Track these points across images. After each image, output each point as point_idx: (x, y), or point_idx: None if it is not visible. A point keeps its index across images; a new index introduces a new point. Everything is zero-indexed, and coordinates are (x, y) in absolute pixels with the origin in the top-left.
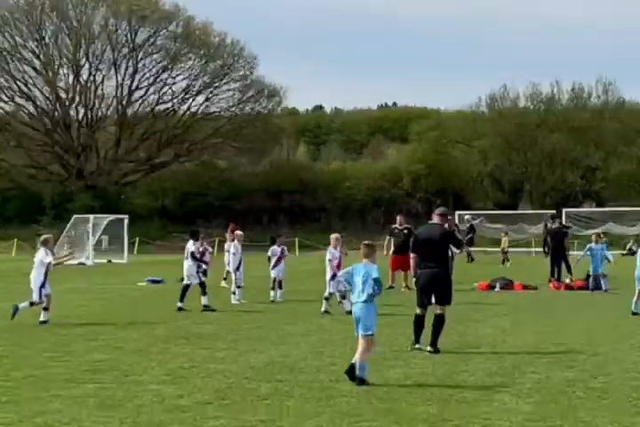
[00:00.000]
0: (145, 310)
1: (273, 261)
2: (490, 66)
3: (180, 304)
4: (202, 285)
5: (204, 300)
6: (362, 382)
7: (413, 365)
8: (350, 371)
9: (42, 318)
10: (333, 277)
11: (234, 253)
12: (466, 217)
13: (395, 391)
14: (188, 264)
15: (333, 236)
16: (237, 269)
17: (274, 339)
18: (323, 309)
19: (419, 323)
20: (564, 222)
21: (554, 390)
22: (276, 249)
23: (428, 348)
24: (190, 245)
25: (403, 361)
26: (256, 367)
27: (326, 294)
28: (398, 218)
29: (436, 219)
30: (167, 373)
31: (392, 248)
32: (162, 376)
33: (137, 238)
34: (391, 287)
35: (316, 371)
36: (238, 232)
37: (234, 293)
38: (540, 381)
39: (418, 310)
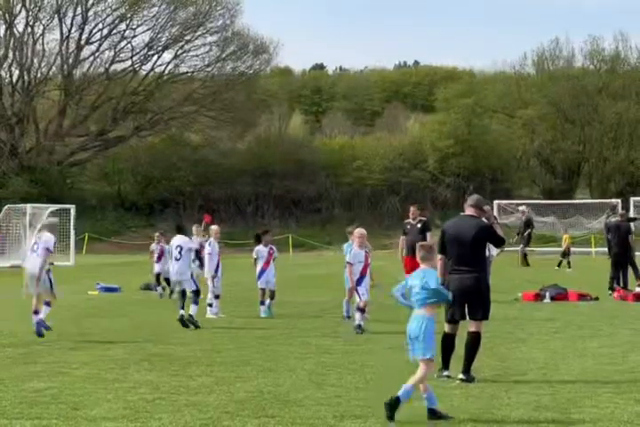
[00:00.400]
0: (97, 326)
1: (259, 265)
2: (538, 15)
3: (188, 312)
4: (197, 293)
5: (193, 309)
6: (434, 413)
7: (441, 397)
8: (392, 406)
9: None
10: (359, 281)
11: (209, 254)
12: (521, 208)
13: None
14: (179, 266)
15: (358, 231)
16: (215, 274)
17: (262, 363)
18: (357, 322)
19: (448, 344)
20: (630, 214)
21: None
22: (262, 250)
23: (460, 375)
24: (186, 243)
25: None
26: (239, 400)
27: (360, 303)
28: (411, 209)
29: (468, 210)
30: (126, 406)
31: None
32: (119, 410)
33: (86, 234)
34: None
35: (317, 404)
36: (214, 227)
37: (210, 304)
38: (602, 417)
39: (446, 328)
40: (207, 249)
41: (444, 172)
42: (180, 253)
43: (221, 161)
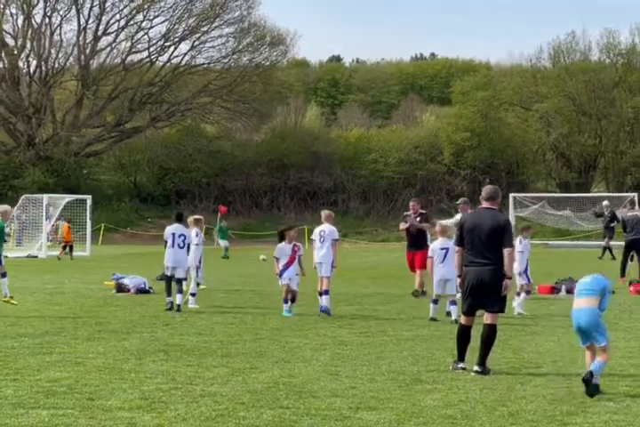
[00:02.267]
0: (113, 317)
1: (281, 263)
2: (554, 8)
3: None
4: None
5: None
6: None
7: (456, 389)
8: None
9: None
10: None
11: (196, 244)
12: (604, 203)
13: (433, 423)
14: (181, 254)
15: (448, 222)
16: (199, 264)
17: (277, 354)
18: (431, 314)
19: (464, 336)
20: None
21: (637, 422)
22: (284, 248)
23: (475, 367)
24: (188, 232)
25: (442, 384)
26: (255, 390)
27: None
28: (411, 203)
29: (485, 203)
30: (142, 396)
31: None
32: (135, 401)
33: (102, 225)
34: (423, 293)
35: (332, 396)
36: (196, 217)
37: (193, 294)
38: (617, 411)
39: (463, 320)
40: (195, 240)
41: (460, 165)
42: (183, 242)
43: (237, 152)
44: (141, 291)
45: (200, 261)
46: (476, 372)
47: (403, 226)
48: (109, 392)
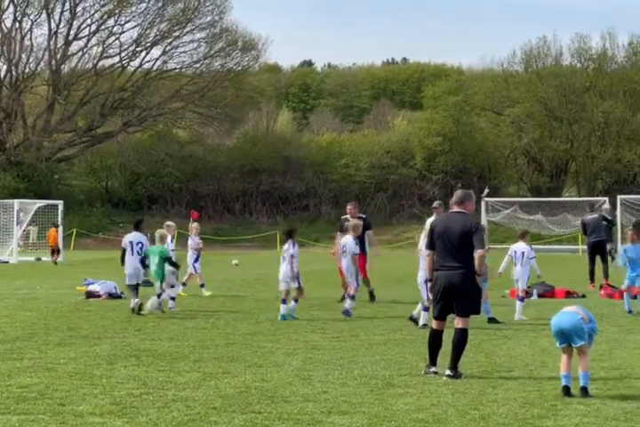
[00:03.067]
0: (85, 322)
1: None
2: (526, 13)
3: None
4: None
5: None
6: (587, 392)
7: (428, 393)
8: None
9: None
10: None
11: (172, 251)
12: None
13: (405, 426)
14: (138, 261)
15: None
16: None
17: (249, 359)
18: (422, 322)
19: (435, 340)
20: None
21: (607, 425)
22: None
23: (447, 371)
24: (145, 240)
25: (414, 388)
26: (227, 395)
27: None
28: (348, 207)
29: (456, 207)
30: (113, 401)
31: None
32: (107, 406)
33: (74, 230)
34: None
35: (304, 400)
36: (167, 223)
37: (172, 298)
38: (588, 413)
39: (434, 324)
40: (171, 246)
41: (432, 169)
42: (141, 249)
43: (209, 157)
44: (113, 296)
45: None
46: (448, 376)
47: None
48: (80, 398)
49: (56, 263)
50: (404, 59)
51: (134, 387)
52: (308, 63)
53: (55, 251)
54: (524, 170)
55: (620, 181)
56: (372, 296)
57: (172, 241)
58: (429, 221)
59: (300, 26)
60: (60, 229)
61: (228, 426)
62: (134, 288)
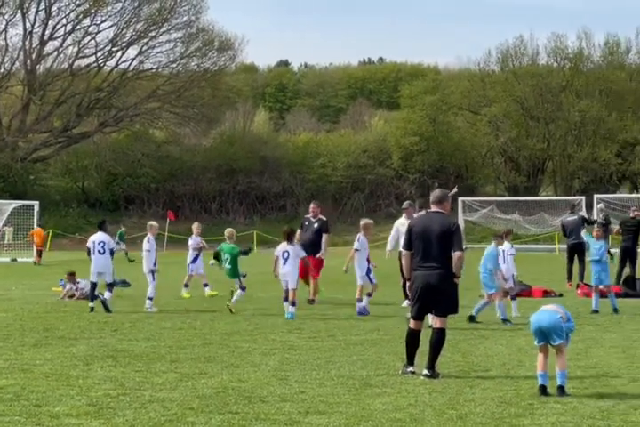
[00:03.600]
0: (61, 323)
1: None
2: (503, 13)
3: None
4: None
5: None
6: (564, 391)
7: (405, 392)
8: (544, 390)
9: None
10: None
11: (147, 251)
12: (599, 205)
13: (382, 426)
14: (103, 260)
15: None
16: (154, 268)
17: (226, 359)
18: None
19: (413, 340)
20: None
21: (583, 424)
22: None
23: (425, 371)
24: (108, 239)
25: (391, 388)
26: (204, 395)
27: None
28: (311, 206)
29: (434, 207)
30: (90, 402)
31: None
32: (83, 407)
33: (50, 231)
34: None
35: (281, 400)
36: (153, 223)
37: (150, 298)
38: (565, 412)
39: (412, 324)
40: (145, 246)
41: (409, 169)
42: (103, 248)
43: (186, 157)
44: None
45: (154, 266)
46: (426, 376)
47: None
48: (57, 399)
49: (37, 264)
50: (381, 58)
51: (111, 388)
52: (285, 63)
53: (40, 251)
54: (501, 169)
55: (596, 180)
56: (311, 301)
57: (148, 241)
58: (399, 221)
59: (276, 26)
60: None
61: (206, 426)
62: (108, 286)
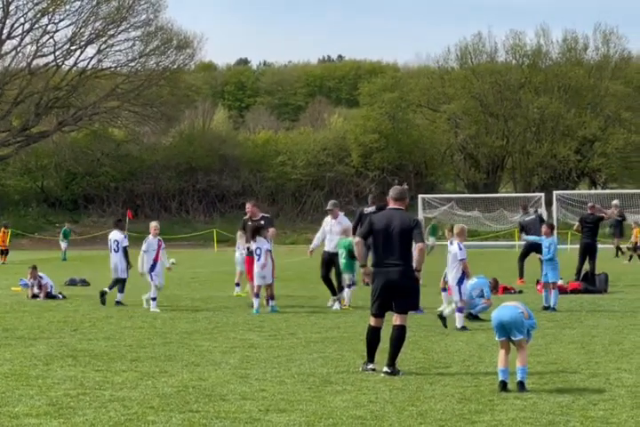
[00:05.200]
0: (21, 323)
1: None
2: (461, 10)
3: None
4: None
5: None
6: (524, 386)
7: (366, 390)
8: (505, 386)
9: None
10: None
11: (145, 251)
12: (614, 202)
13: (343, 424)
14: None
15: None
16: (152, 270)
17: (187, 358)
18: (459, 325)
19: (373, 337)
20: (538, 211)
21: (543, 419)
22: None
23: (385, 368)
24: (122, 238)
25: (352, 385)
26: (164, 394)
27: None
28: (248, 205)
29: (393, 204)
30: (50, 402)
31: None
32: (43, 407)
33: (9, 230)
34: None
35: (242, 398)
36: (153, 223)
37: (154, 298)
38: (525, 408)
39: (372, 321)
40: (143, 246)
41: (368, 166)
42: (117, 246)
43: (145, 156)
44: (50, 296)
45: (153, 267)
46: (386, 373)
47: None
48: (16, 399)
49: (4, 263)
50: (340, 56)
51: (71, 387)
52: (244, 61)
53: (4, 252)
54: (461, 166)
55: (555, 177)
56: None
57: (145, 241)
58: (325, 221)
59: (235, 24)
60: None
61: (166, 425)
62: (116, 282)
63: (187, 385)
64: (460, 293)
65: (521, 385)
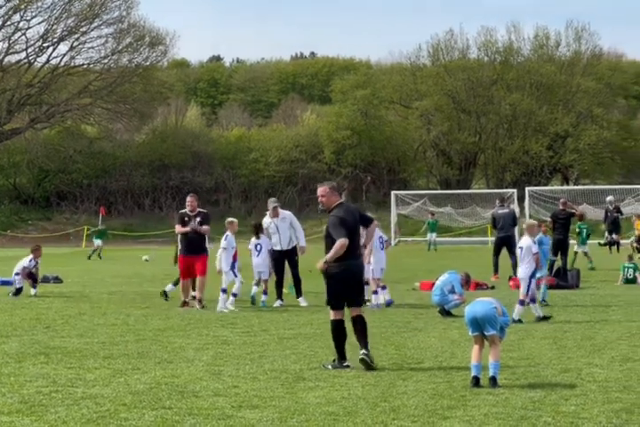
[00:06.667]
0: None
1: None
2: (433, 6)
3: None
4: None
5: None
6: (496, 381)
7: (338, 386)
8: (477, 382)
9: None
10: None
11: (224, 248)
12: (608, 198)
13: (315, 420)
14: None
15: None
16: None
17: (160, 355)
18: (516, 317)
19: (341, 331)
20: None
21: (515, 415)
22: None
23: (363, 351)
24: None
25: (324, 382)
26: (137, 391)
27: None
28: (189, 200)
29: (344, 198)
30: (22, 400)
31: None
32: (15, 404)
33: None
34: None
35: (215, 395)
36: (229, 219)
37: (234, 295)
38: (497, 403)
39: (335, 315)
40: (222, 243)
41: (341, 163)
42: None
43: (118, 153)
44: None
45: (233, 264)
46: (365, 355)
47: (181, 229)
48: None
49: None
50: (313, 53)
51: (43, 385)
52: (217, 58)
53: None
54: (433, 163)
55: (527, 173)
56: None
57: (225, 238)
58: (266, 221)
59: (208, 21)
60: None
61: (139, 422)
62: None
63: (159, 382)
64: (529, 287)
65: (493, 381)
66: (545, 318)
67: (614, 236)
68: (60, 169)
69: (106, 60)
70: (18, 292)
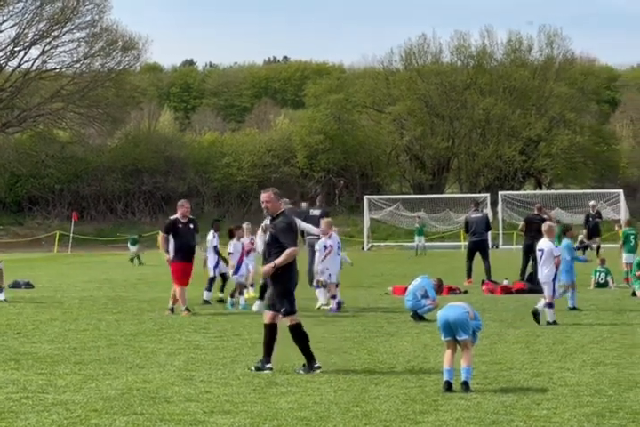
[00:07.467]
0: None
1: (235, 259)
2: (405, 11)
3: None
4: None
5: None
6: (468, 386)
7: (311, 391)
8: (449, 387)
9: None
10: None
11: (230, 253)
12: (591, 203)
13: (287, 425)
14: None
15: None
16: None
17: (131, 360)
18: (550, 319)
19: (301, 334)
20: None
21: (487, 419)
22: (236, 244)
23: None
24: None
25: (297, 387)
26: (108, 397)
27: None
28: (185, 205)
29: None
30: None
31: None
32: None
33: None
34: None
35: (186, 400)
36: (244, 225)
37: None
38: (469, 408)
39: (293, 319)
40: (229, 248)
41: (314, 167)
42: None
43: (91, 158)
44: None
45: (239, 268)
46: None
47: (162, 248)
48: None
49: None
50: (286, 57)
51: (13, 391)
52: (190, 63)
53: None
54: (407, 167)
55: (500, 178)
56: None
57: (233, 245)
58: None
59: (180, 25)
60: None
61: None
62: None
63: (131, 388)
64: (553, 289)
65: (465, 385)
66: (554, 323)
67: (597, 239)
68: (31, 174)
69: (78, 65)
70: None
